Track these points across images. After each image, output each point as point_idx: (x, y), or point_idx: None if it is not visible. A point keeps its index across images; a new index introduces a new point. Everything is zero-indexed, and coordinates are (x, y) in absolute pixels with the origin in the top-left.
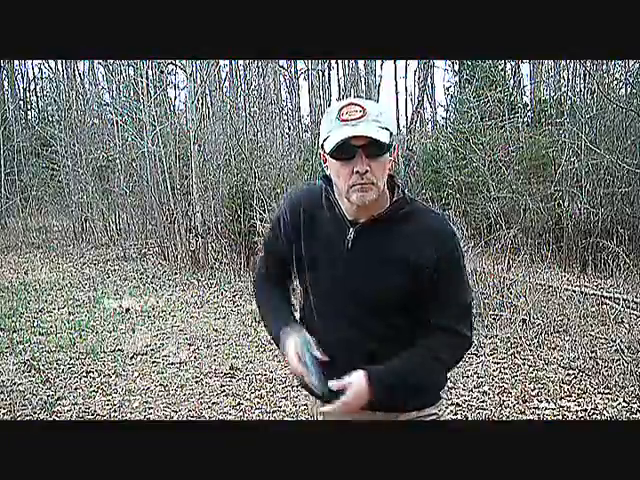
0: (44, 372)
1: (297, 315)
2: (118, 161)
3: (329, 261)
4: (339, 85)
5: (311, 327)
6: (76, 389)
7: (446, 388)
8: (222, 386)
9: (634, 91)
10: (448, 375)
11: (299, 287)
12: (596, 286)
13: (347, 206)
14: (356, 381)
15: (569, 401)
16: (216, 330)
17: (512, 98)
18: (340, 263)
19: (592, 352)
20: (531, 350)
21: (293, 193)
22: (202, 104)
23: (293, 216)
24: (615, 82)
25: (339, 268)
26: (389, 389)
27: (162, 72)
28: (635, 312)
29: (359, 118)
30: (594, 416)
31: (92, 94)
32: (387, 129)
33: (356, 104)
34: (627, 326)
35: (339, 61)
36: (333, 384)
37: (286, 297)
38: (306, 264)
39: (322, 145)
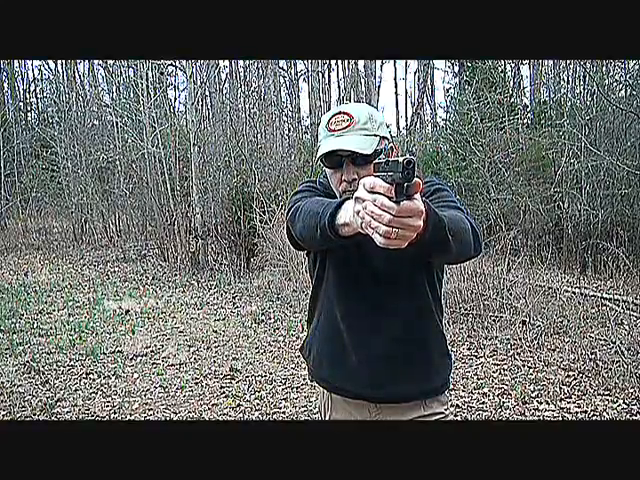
0: (44, 374)
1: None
2: (118, 162)
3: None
4: (339, 87)
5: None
6: (76, 390)
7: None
8: (222, 387)
9: (634, 93)
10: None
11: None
12: (596, 288)
13: None
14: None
15: (569, 403)
16: (216, 331)
17: (512, 100)
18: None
19: (592, 354)
20: (531, 352)
21: (307, 180)
22: (202, 105)
23: (317, 189)
24: (615, 84)
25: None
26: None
27: (162, 73)
28: (635, 314)
29: (345, 128)
30: (594, 417)
31: (92, 95)
32: (376, 135)
33: (344, 113)
34: (627, 328)
35: (339, 63)
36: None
37: None
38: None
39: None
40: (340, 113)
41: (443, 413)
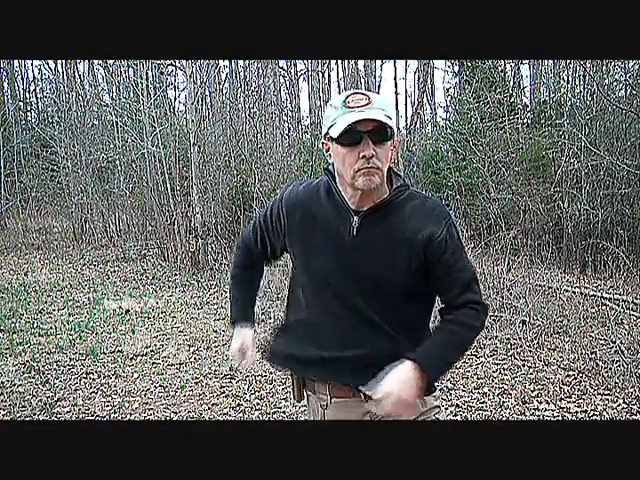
0: (44, 373)
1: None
2: (118, 162)
3: (332, 249)
4: (339, 86)
5: (300, 314)
6: (76, 390)
7: (446, 389)
8: (222, 387)
9: (634, 92)
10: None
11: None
12: (596, 287)
13: (350, 195)
14: (401, 373)
15: (569, 402)
16: (216, 331)
17: (512, 99)
18: (344, 250)
19: (592, 353)
20: (531, 351)
21: (290, 189)
22: (202, 105)
23: (288, 212)
24: (615, 83)
25: (343, 255)
26: (441, 366)
27: (162, 73)
28: (635, 313)
29: (365, 105)
30: (594, 417)
31: (92, 95)
32: (390, 117)
33: (361, 93)
34: (627, 327)
35: (339, 62)
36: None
37: (258, 277)
38: (301, 255)
39: (326, 133)
40: (356, 93)
41: (439, 407)
